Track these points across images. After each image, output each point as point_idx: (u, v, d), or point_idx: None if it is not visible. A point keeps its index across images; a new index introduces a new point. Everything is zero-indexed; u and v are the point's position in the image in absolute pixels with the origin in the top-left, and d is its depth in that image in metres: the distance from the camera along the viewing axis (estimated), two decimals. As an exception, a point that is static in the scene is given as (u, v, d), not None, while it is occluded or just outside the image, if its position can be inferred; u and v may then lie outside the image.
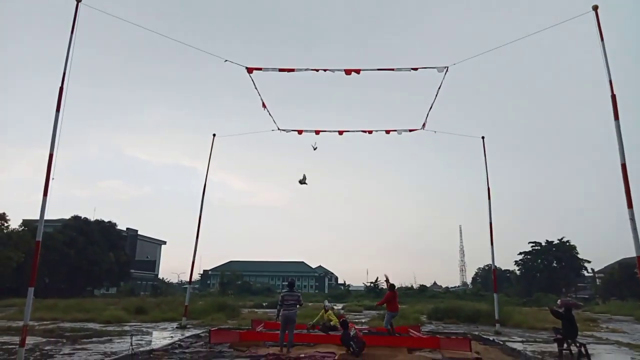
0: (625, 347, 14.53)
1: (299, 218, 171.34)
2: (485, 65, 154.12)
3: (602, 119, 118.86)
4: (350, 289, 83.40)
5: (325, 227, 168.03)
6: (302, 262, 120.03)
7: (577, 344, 11.91)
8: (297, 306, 11.42)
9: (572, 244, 76.92)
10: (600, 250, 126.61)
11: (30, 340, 12.29)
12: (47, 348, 11.71)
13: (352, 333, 11.23)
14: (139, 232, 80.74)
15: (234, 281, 76.09)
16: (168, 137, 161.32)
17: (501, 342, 14.27)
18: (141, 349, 11.18)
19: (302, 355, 10.06)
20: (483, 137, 20.22)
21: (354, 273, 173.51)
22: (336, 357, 9.99)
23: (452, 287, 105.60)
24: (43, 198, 10.04)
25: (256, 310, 31.30)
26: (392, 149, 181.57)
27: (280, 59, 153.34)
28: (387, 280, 15.06)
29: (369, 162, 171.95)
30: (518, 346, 13.69)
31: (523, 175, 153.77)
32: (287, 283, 12.24)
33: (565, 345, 12.24)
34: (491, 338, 15.53)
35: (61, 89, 10.30)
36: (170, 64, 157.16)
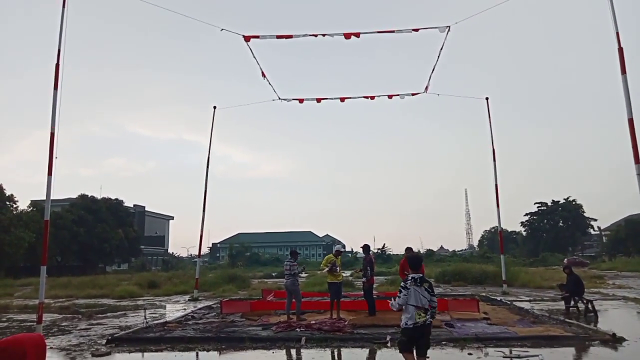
0: (631, 302, 14.70)
1: (304, 187, 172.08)
2: (489, 24, 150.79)
3: (610, 73, 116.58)
4: (357, 255, 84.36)
5: (331, 195, 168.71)
6: (310, 231, 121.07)
7: (584, 301, 12.07)
8: (292, 275, 11.23)
9: (578, 202, 77.07)
10: (606, 207, 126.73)
11: (47, 317, 12.57)
12: (64, 324, 11.99)
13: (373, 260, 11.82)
14: (146, 209, 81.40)
15: (243, 253, 77.13)
16: (169, 112, 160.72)
17: (508, 302, 14.45)
18: (155, 322, 11.40)
19: (313, 322, 10.23)
20: (487, 98, 19.95)
21: (361, 240, 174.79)
22: (346, 323, 10.15)
23: (459, 251, 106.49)
24: (48, 177, 10.05)
25: (266, 280, 31.80)
26: (395, 113, 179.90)
27: (279, 29, 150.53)
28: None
29: (371, 128, 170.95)
30: (525, 305, 13.87)
31: (528, 135, 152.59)
32: (289, 252, 12.34)
33: (572, 303, 12.41)
34: (499, 298, 15.72)
35: (57, 66, 10.15)
36: (169, 38, 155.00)
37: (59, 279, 27.67)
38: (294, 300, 11.34)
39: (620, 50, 10.03)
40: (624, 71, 9.96)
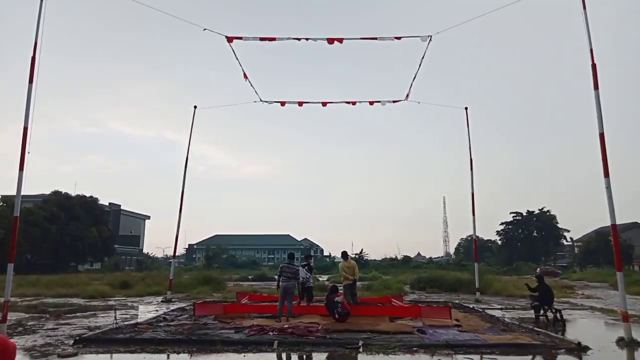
0: (598, 312, 15.09)
1: (284, 191, 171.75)
2: (470, 34, 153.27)
3: (584, 88, 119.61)
4: (335, 260, 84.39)
5: (310, 199, 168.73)
6: (288, 234, 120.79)
7: (553, 310, 12.34)
8: (295, 279, 11.96)
9: (552, 213, 78.85)
10: (579, 219, 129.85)
11: (12, 316, 12.20)
12: (30, 324, 11.67)
13: (337, 299, 11.52)
14: (122, 207, 80.00)
15: (220, 255, 76.38)
16: (151, 110, 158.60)
17: (480, 310, 14.66)
18: (126, 323, 11.20)
19: (286, 326, 10.20)
20: (466, 108, 20.27)
21: (339, 245, 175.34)
22: (320, 327, 10.15)
23: (435, 258, 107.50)
24: (19, 173, 9.85)
25: (242, 283, 31.57)
26: (376, 120, 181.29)
27: (264, 30, 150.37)
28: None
29: (352, 133, 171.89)
30: (497, 313, 14.10)
31: (505, 145, 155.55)
32: (287, 255, 12.86)
33: (541, 312, 12.67)
34: (471, 306, 15.93)
35: (33, 59, 9.97)
36: (152, 35, 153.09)
37: (27, 277, 26.93)
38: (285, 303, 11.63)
39: (594, 66, 10.35)
40: (596, 87, 10.28)
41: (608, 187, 9.78)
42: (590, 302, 18.38)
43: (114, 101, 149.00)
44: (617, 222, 9.85)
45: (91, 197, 57.45)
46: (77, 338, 8.89)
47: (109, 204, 72.97)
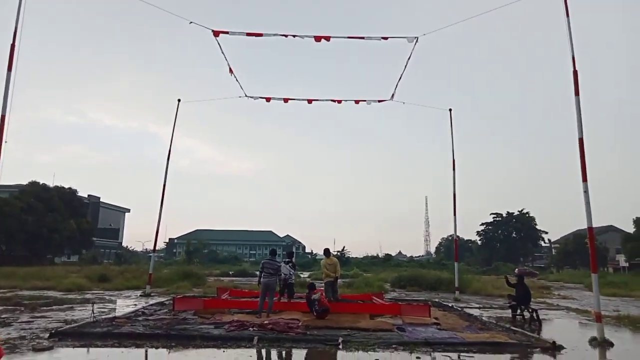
0: (573, 313, 15.42)
1: (267, 187, 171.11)
2: (456, 37, 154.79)
3: (565, 93, 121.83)
4: (317, 257, 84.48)
5: (293, 196, 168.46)
6: (270, 231, 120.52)
7: (530, 310, 12.58)
8: (277, 275, 12.12)
9: (531, 215, 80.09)
10: (557, 221, 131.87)
11: (-14, 308, 11.97)
12: (3, 316, 11.42)
13: (315, 297, 11.56)
14: (101, 200, 78.79)
15: (201, 250, 75.75)
16: (134, 102, 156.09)
17: (459, 308, 14.85)
18: (103, 317, 11.05)
19: (266, 322, 10.19)
20: (450, 109, 20.49)
21: (321, 242, 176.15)
22: (300, 324, 10.17)
23: (416, 257, 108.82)
24: (-5, 162, 9.59)
25: (222, 278, 31.42)
26: (360, 118, 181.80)
27: (251, 25, 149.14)
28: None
29: (337, 131, 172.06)
30: (475, 312, 14.31)
31: (487, 147, 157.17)
32: (269, 251, 12.93)
33: (518, 311, 12.91)
34: (450, 304, 16.14)
35: (12, 46, 9.73)
36: (138, 27, 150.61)
37: (2, 269, 26.38)
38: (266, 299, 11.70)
39: (575, 72, 10.53)
40: (577, 93, 10.46)
41: (586, 192, 9.98)
42: (565, 303, 18.78)
43: (96, 91, 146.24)
44: (594, 225, 10.07)
45: (70, 188, 56.45)
46: (53, 331, 8.73)
47: (88, 195, 71.80)
